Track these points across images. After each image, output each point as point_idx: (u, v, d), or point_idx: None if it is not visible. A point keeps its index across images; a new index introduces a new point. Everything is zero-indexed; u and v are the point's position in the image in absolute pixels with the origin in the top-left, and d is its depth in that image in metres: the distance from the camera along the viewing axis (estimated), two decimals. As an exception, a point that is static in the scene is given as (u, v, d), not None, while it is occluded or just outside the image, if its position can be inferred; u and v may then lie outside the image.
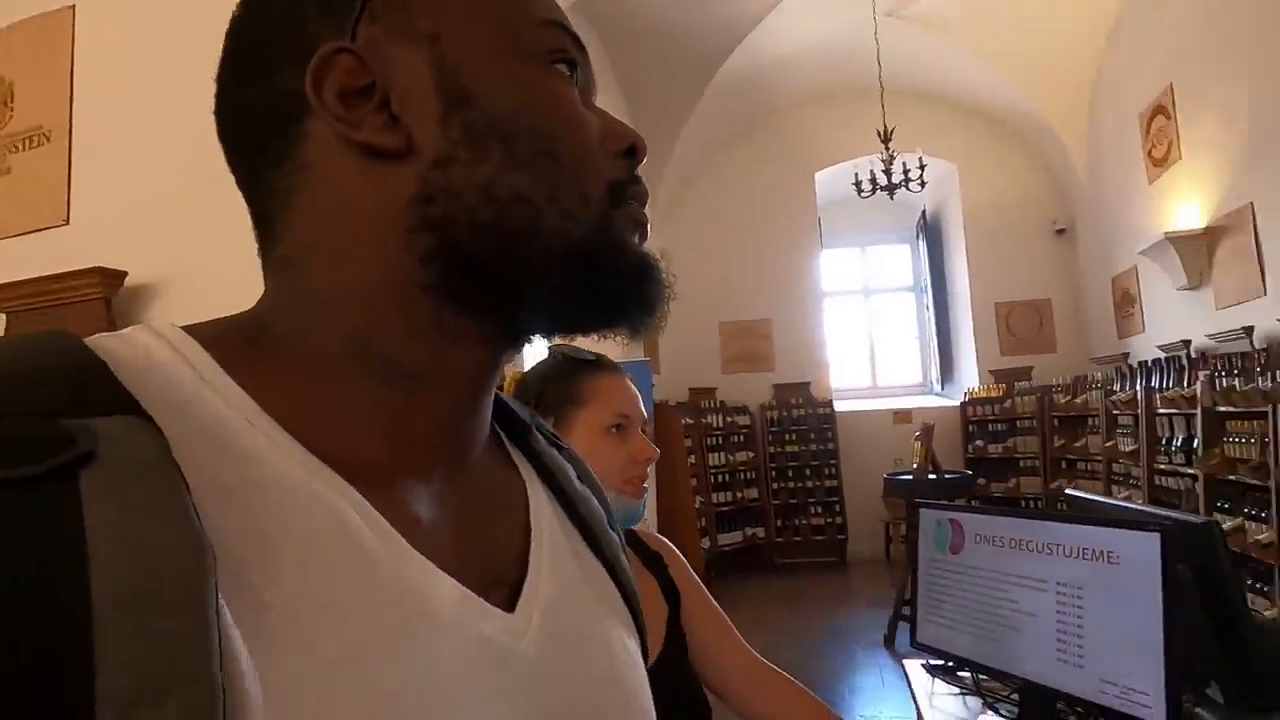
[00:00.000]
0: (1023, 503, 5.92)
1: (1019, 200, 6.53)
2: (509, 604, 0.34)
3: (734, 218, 6.91)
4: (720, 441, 6.40)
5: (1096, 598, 1.07)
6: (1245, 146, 3.86)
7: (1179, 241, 4.39)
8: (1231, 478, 3.53)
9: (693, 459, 5.86)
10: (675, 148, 5.85)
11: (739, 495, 6.39)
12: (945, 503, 1.48)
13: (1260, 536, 3.17)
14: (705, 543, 5.77)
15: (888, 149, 4.60)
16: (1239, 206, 3.94)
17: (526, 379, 0.90)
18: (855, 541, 6.39)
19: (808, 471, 6.48)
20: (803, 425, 6.53)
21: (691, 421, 6.06)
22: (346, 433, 0.32)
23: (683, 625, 0.91)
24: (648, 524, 5.00)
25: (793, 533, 6.42)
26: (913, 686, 1.46)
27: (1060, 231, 6.42)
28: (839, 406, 6.69)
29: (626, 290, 0.36)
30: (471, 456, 0.38)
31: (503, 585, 0.35)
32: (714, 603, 0.97)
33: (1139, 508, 1.44)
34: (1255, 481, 3.32)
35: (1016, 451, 6.04)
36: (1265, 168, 3.71)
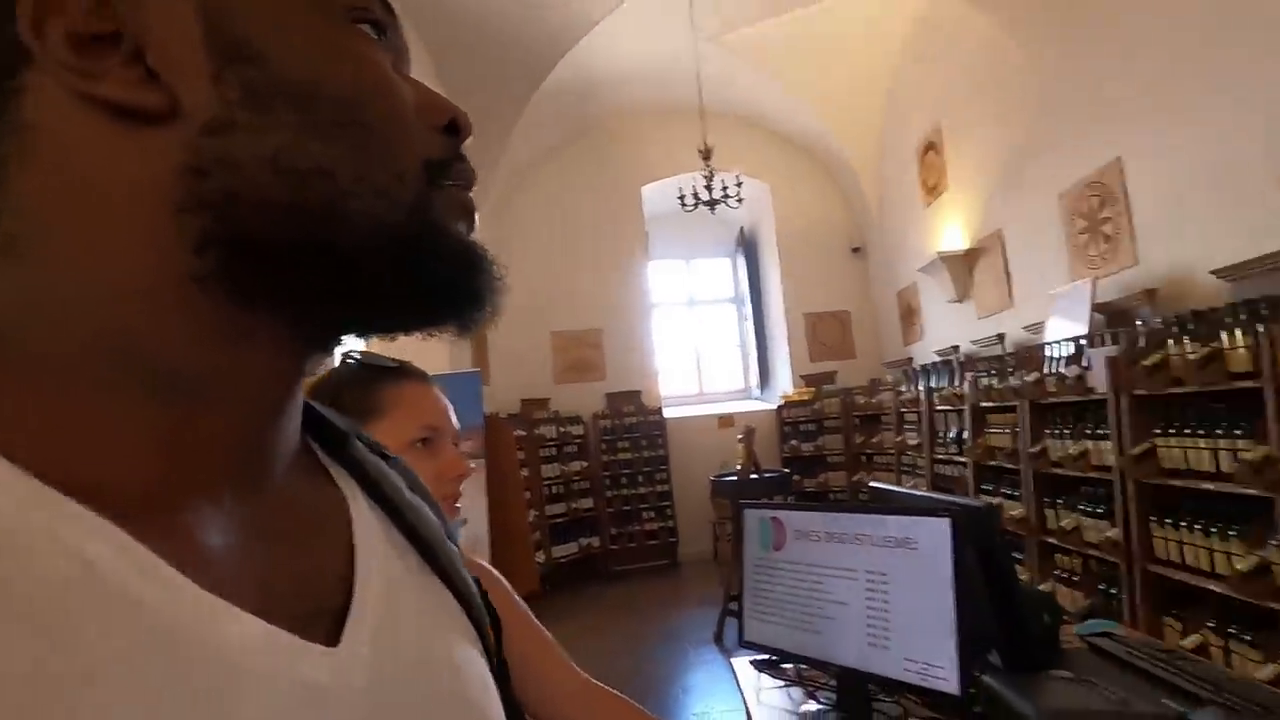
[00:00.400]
0: (830, 495, 6.49)
1: (823, 221, 7.19)
2: (334, 636, 0.30)
3: (565, 228, 6.91)
4: (555, 452, 6.33)
5: (900, 582, 1.16)
6: (997, 180, 4.55)
7: (948, 260, 5.07)
8: (992, 463, 4.11)
9: (526, 471, 5.73)
10: (502, 158, 5.72)
11: (573, 506, 6.35)
12: (767, 501, 1.52)
13: (1014, 512, 3.71)
14: (541, 557, 5.66)
15: (708, 166, 4.84)
16: (992, 231, 4.63)
17: (317, 389, 0.78)
18: (686, 543, 6.62)
19: (640, 478, 6.61)
20: (635, 433, 6.66)
21: (525, 433, 5.93)
22: (105, 457, 0.26)
23: (504, 653, 0.84)
24: (479, 541, 4.75)
25: (627, 540, 6.51)
26: (740, 683, 1.49)
27: (856, 250, 7.15)
28: (668, 413, 6.91)
29: (451, 282, 0.33)
30: (275, 474, 0.33)
31: (324, 616, 0.31)
32: (539, 626, 0.90)
33: (932, 495, 1.59)
34: (1009, 465, 3.88)
35: (825, 449, 6.61)
36: (1012, 200, 4.39)
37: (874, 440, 6.09)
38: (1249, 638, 2.34)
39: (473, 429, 4.72)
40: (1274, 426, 2.14)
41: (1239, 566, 2.29)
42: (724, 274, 8.03)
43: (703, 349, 7.83)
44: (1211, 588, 2.45)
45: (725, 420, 6.95)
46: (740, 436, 6.08)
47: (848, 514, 1.29)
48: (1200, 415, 2.49)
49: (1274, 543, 2.18)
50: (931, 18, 5.04)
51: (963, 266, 5.04)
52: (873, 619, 1.16)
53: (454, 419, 0.84)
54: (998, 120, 4.44)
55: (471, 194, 0.36)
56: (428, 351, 4.83)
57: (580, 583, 6.09)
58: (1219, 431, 2.41)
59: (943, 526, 1.14)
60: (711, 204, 4.94)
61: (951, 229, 5.17)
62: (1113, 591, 2.99)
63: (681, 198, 5.05)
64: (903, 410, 5.50)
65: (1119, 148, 3.34)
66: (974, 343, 4.74)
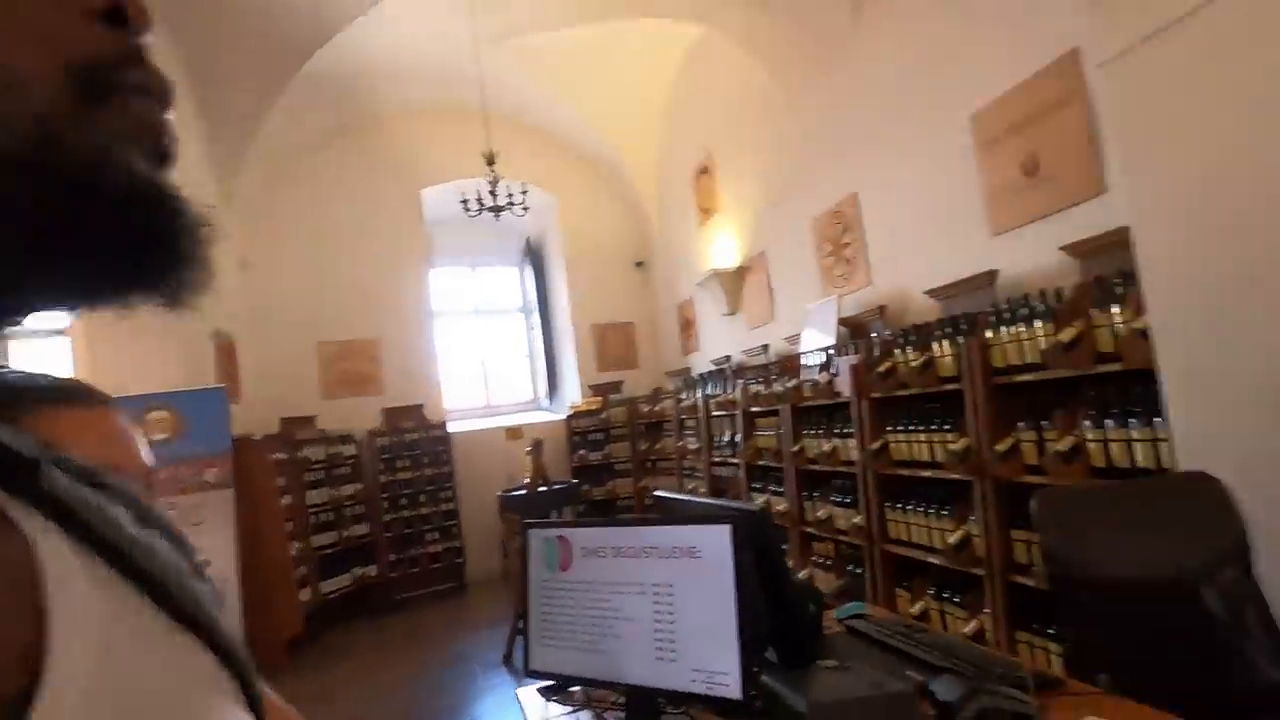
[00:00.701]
0: (618, 502, 6.65)
1: (609, 234, 7.38)
2: None
3: (334, 229, 6.30)
4: (323, 476, 5.70)
5: (685, 593, 1.16)
6: (762, 205, 5.01)
7: (721, 276, 5.47)
8: (760, 463, 4.49)
9: (289, 499, 5.08)
10: (251, 147, 5.04)
11: (346, 534, 5.77)
12: (553, 520, 1.45)
13: (780, 507, 4.08)
14: (306, 593, 5.04)
15: (493, 172, 4.70)
16: (758, 251, 5.08)
17: None
18: (474, 563, 6.35)
19: (423, 498, 6.21)
20: (416, 450, 6.25)
21: (286, 456, 5.26)
22: None
23: None
24: (225, 583, 4.08)
25: (409, 565, 6.07)
26: (526, 714, 1.41)
27: (639, 264, 7.45)
28: (454, 427, 6.60)
29: (124, 232, 0.26)
30: None
31: None
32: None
33: (711, 501, 1.64)
34: (775, 464, 4.26)
35: (613, 457, 6.76)
36: (774, 223, 4.85)
37: (658, 446, 6.35)
38: (957, 600, 2.78)
39: (218, 454, 4.07)
40: (972, 421, 2.58)
41: (950, 540, 2.71)
42: (511, 283, 7.90)
43: (490, 360, 7.61)
44: (931, 560, 2.87)
45: (514, 432, 6.81)
46: (529, 449, 5.98)
47: (635, 528, 1.27)
48: (920, 414, 2.93)
49: (974, 519, 2.62)
50: (700, 52, 5.43)
51: (734, 282, 5.46)
52: (660, 632, 1.15)
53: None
54: (761, 150, 4.89)
55: (166, 114, 0.28)
56: (156, 363, 4.07)
57: (355, 617, 5.54)
58: (933, 427, 2.84)
59: (724, 533, 1.16)
60: (496, 210, 4.80)
61: (724, 247, 5.59)
62: (859, 571, 3.39)
63: (465, 202, 4.85)
64: (683, 417, 5.81)
65: (856, 183, 3.85)
66: (744, 352, 5.15)
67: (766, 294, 4.99)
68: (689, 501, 1.59)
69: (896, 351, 3.05)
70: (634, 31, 5.39)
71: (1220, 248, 1.59)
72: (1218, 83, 1.57)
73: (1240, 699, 1.31)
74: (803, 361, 3.89)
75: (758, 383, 4.45)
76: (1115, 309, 2.05)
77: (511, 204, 4.83)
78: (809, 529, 3.81)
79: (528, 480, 5.88)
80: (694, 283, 5.91)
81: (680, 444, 5.79)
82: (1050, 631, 2.32)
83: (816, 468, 3.74)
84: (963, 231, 3.07)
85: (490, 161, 4.67)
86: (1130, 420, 2.01)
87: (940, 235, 3.23)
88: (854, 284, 3.94)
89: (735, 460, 4.82)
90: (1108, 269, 2.16)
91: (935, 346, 2.81)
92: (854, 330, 3.79)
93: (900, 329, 3.14)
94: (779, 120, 4.57)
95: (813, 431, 3.78)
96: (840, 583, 3.53)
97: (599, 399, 6.87)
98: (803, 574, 3.79)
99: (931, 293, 3.14)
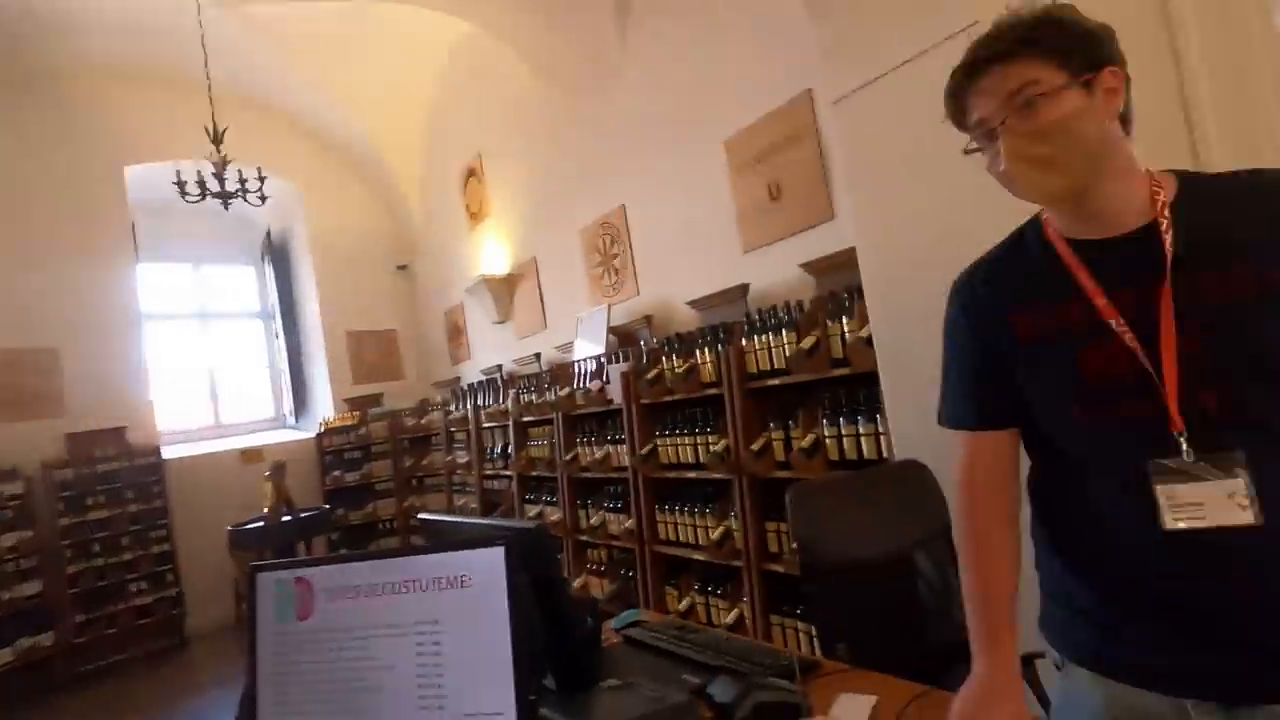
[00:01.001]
0: (380, 525, 6.11)
1: (366, 233, 6.79)
2: None
3: (-9, 207, 4.96)
4: (-30, 524, 4.41)
5: (453, 629, 1.03)
6: (531, 212, 4.95)
7: (491, 283, 5.30)
8: (534, 474, 4.41)
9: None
10: None
11: (10, 595, 4.53)
12: (289, 560, 1.23)
13: (554, 517, 4.03)
14: (-61, 682, 3.84)
15: (220, 152, 4.04)
16: (529, 258, 5.02)
17: None
18: (198, 613, 5.37)
19: (126, 541, 5.10)
20: (115, 482, 5.12)
21: (-94, 503, 3.97)
22: None
23: None
24: None
25: (105, 625, 4.93)
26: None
27: (402, 267, 6.96)
28: (170, 453, 5.54)
29: None
30: None
31: None
32: None
33: (483, 522, 1.52)
34: (548, 474, 4.22)
35: (373, 476, 6.20)
36: (543, 231, 4.82)
37: (425, 462, 5.96)
38: (720, 592, 2.96)
39: None
40: (731, 424, 2.76)
41: (713, 537, 2.87)
42: (248, 284, 6.90)
43: (220, 372, 6.55)
44: (696, 557, 3.02)
45: (251, 454, 5.92)
46: (268, 473, 5.24)
47: (392, 560, 1.11)
48: (685, 418, 3.07)
49: (734, 514, 2.81)
50: (468, 49, 5.24)
51: (505, 289, 5.33)
52: (425, 678, 1.01)
53: None
54: (532, 156, 4.84)
55: None
56: None
57: (23, 703, 4.35)
58: (697, 430, 3.00)
59: (496, 556, 1.05)
60: (224, 197, 4.13)
61: (494, 253, 5.43)
62: (631, 574, 3.47)
63: (180, 184, 4.10)
64: (452, 430, 5.52)
65: (624, 195, 3.97)
66: (516, 361, 5.05)
67: (538, 302, 4.95)
68: (459, 523, 1.45)
69: (663, 359, 3.17)
70: (397, 18, 5.02)
71: (928, 266, 1.86)
72: (928, 121, 1.84)
73: (947, 652, 1.53)
74: (575, 370, 3.90)
75: (530, 392, 4.37)
76: (845, 320, 2.32)
77: (245, 191, 4.19)
78: (583, 537, 3.81)
79: (268, 509, 5.14)
80: (463, 289, 5.67)
81: (450, 458, 5.49)
82: (799, 613, 2.56)
83: (589, 475, 3.77)
84: (719, 247, 3.30)
85: (216, 140, 4.01)
86: (858, 418, 2.29)
87: (700, 249, 3.44)
88: (623, 293, 4.05)
89: (508, 472, 4.68)
90: (839, 285, 2.45)
91: (698, 354, 2.97)
92: (623, 339, 3.89)
93: (666, 337, 3.28)
94: (550, 128, 4.56)
95: (585, 439, 3.80)
96: (614, 587, 3.58)
97: (355, 414, 6.26)
98: (577, 582, 3.78)
99: (692, 303, 3.33)
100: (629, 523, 3.40)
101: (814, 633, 2.49)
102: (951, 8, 1.74)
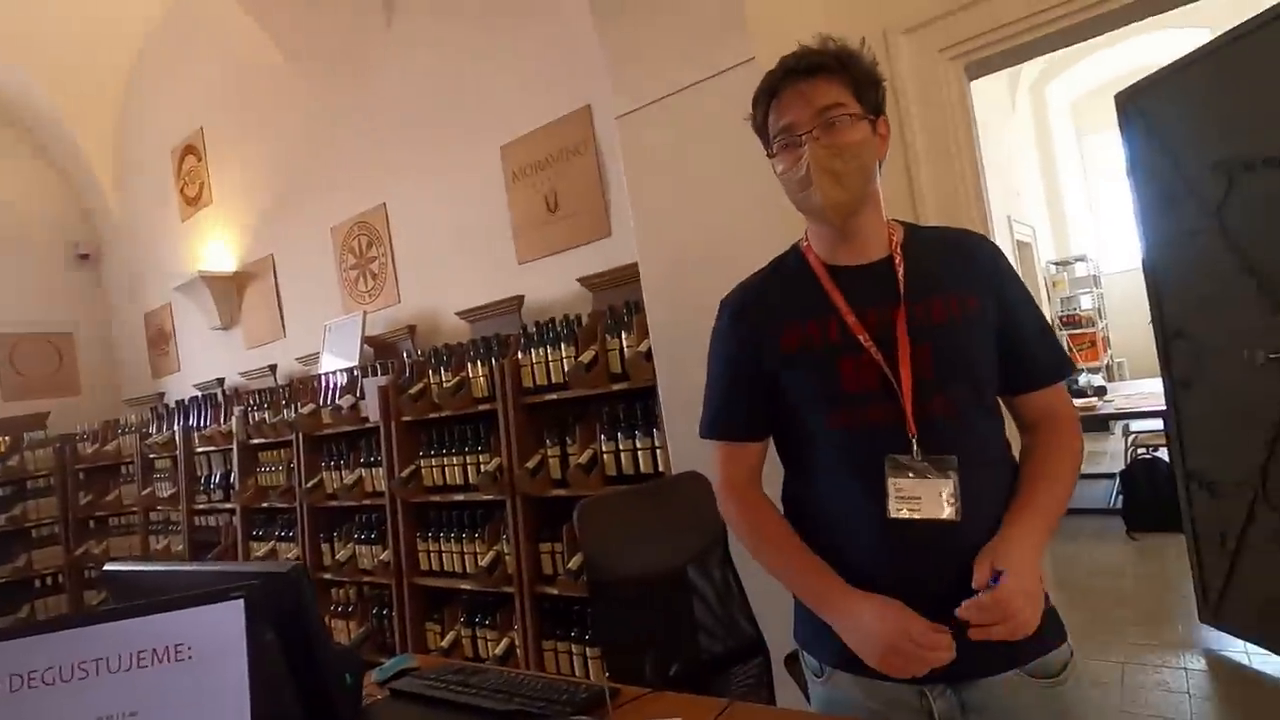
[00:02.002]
0: (38, 583, 4.78)
1: (34, 214, 5.37)
2: None
3: None
4: None
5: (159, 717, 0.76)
6: (270, 203, 4.30)
7: (212, 282, 4.50)
8: (264, 505, 3.78)
9: None
10: None
11: None
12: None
13: (290, 554, 3.48)
14: None
15: None
16: (264, 256, 4.35)
17: None
18: None
19: None
20: None
21: None
22: None
23: None
24: None
25: None
26: None
27: (84, 257, 5.62)
28: None
29: None
30: None
31: None
32: None
33: (207, 569, 1.20)
34: (283, 505, 3.64)
35: (30, 519, 4.84)
36: (284, 226, 4.22)
37: (108, 498, 4.81)
38: (488, 622, 2.77)
39: None
40: (505, 441, 2.62)
41: (482, 563, 2.68)
42: None
43: None
44: (463, 587, 2.80)
45: None
46: None
47: (66, 630, 0.80)
48: (453, 436, 2.85)
49: (506, 537, 2.65)
50: (189, 6, 4.44)
51: (230, 290, 4.56)
52: (114, 796, 0.73)
53: None
54: (273, 140, 4.21)
55: None
56: None
57: None
58: (467, 449, 2.80)
59: (231, 614, 0.81)
60: None
61: (217, 247, 4.62)
62: (386, 613, 3.11)
63: None
64: (152, 456, 4.53)
65: (386, 194, 3.62)
66: (243, 375, 4.32)
67: (275, 307, 4.30)
68: (171, 573, 1.12)
69: (430, 373, 2.92)
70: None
71: (704, 282, 1.93)
72: (708, 143, 1.92)
73: (730, 655, 1.57)
74: (321, 384, 3.44)
75: (262, 409, 3.76)
76: (624, 335, 2.33)
77: None
78: (326, 575, 3.34)
79: None
80: (172, 286, 4.72)
81: (147, 491, 4.50)
82: (573, 635, 2.49)
83: (337, 504, 3.32)
84: (493, 256, 3.15)
85: None
86: (636, 432, 2.31)
87: (472, 258, 3.26)
88: (382, 300, 3.68)
89: (229, 505, 3.96)
90: (617, 300, 2.46)
91: (469, 368, 2.79)
92: (381, 350, 3.53)
93: (433, 349, 3.03)
94: (298, 110, 4.01)
95: (332, 463, 3.35)
96: (363, 629, 3.18)
97: (6, 439, 4.85)
98: (318, 628, 3.29)
99: (463, 314, 3.13)
100: (384, 554, 3.05)
101: (588, 655, 2.44)
102: (732, 42, 1.84)
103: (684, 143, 1.97)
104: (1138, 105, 2.50)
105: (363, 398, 3.17)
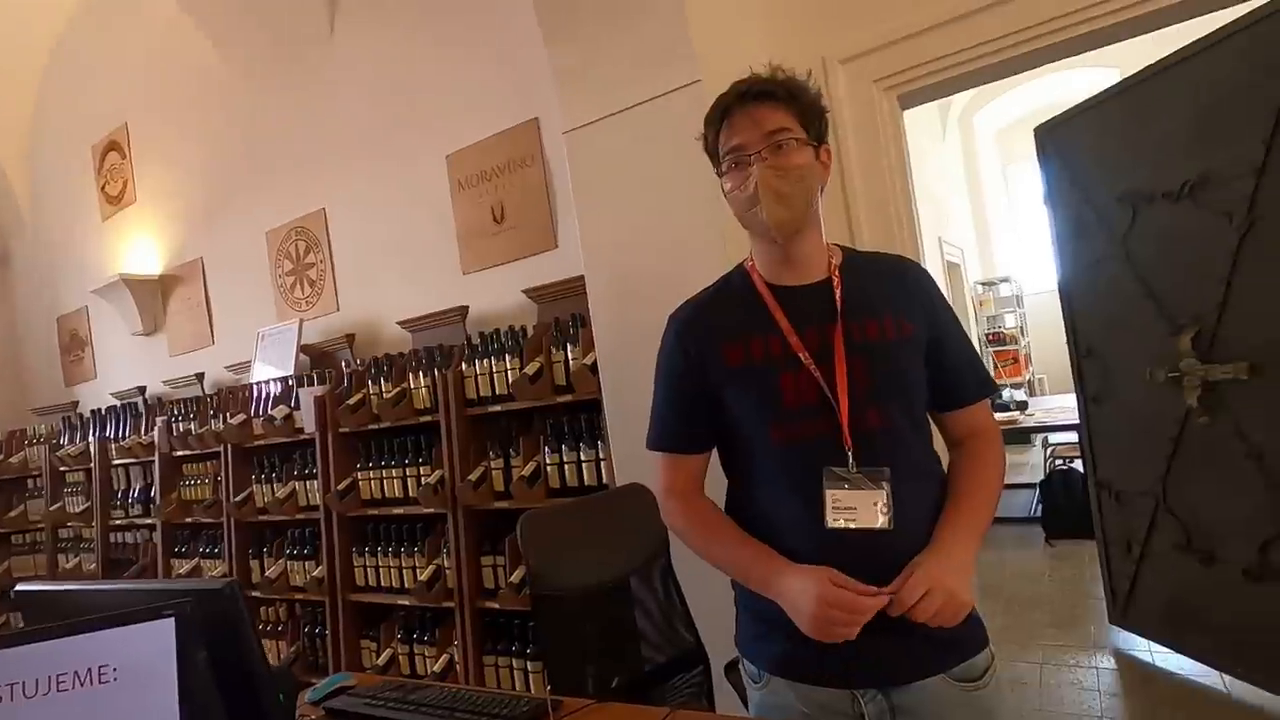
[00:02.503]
0: (-73, 606, 4.40)
1: (-72, 205, 5.00)
2: None
3: None
4: None
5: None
6: (200, 204, 4.13)
7: (135, 285, 4.29)
8: (188, 520, 3.61)
9: None
10: None
11: None
12: None
13: (216, 571, 3.33)
14: None
15: None
16: (192, 259, 4.17)
17: None
18: None
19: None
20: None
21: None
22: None
23: None
24: None
25: None
26: None
27: (-10, 255, 5.26)
28: None
29: None
30: None
31: None
32: None
33: (132, 586, 1.16)
34: (209, 520, 3.48)
35: (-82, 538, 4.47)
36: (214, 227, 4.05)
37: (12, 514, 4.49)
38: (427, 638, 2.71)
39: None
40: (448, 453, 2.58)
41: (421, 577, 2.63)
42: None
43: None
44: (401, 602, 2.74)
45: None
46: None
47: (-23, 656, 0.76)
48: (393, 448, 2.79)
49: (447, 550, 2.61)
50: (119, -3, 4.25)
51: (153, 294, 4.34)
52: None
53: None
54: (205, 138, 4.05)
55: None
56: None
57: None
58: (407, 461, 2.74)
59: (161, 633, 0.79)
60: None
61: (140, 249, 4.40)
62: (319, 631, 3.00)
63: None
64: (63, 470, 4.27)
65: (326, 199, 3.53)
66: (167, 383, 4.11)
67: (203, 313, 4.12)
68: (93, 591, 1.06)
69: (370, 383, 2.86)
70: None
71: (649, 296, 1.97)
72: (654, 161, 1.96)
73: (672, 665, 1.59)
74: (254, 394, 3.31)
75: (188, 420, 3.60)
76: (570, 347, 2.35)
77: None
78: (255, 592, 3.20)
79: None
80: (88, 289, 4.47)
81: (56, 506, 4.23)
82: (514, 649, 2.46)
83: (268, 519, 3.20)
84: (437, 266, 3.11)
85: None
86: (580, 444, 2.31)
87: (416, 267, 3.21)
88: (319, 308, 3.58)
89: (148, 520, 3.77)
90: (563, 312, 2.47)
91: (411, 378, 2.74)
92: (318, 359, 3.42)
93: (374, 359, 2.97)
94: (234, 110, 3.87)
95: (264, 476, 3.23)
96: (294, 648, 3.06)
97: (-107, 451, 4.48)
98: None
99: (405, 324, 3.07)
100: (318, 570, 2.95)
101: (529, 669, 2.42)
102: (678, 65, 1.89)
103: (630, 160, 2.01)
104: (1053, 139, 2.68)
105: (298, 408, 3.08)
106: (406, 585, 2.72)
